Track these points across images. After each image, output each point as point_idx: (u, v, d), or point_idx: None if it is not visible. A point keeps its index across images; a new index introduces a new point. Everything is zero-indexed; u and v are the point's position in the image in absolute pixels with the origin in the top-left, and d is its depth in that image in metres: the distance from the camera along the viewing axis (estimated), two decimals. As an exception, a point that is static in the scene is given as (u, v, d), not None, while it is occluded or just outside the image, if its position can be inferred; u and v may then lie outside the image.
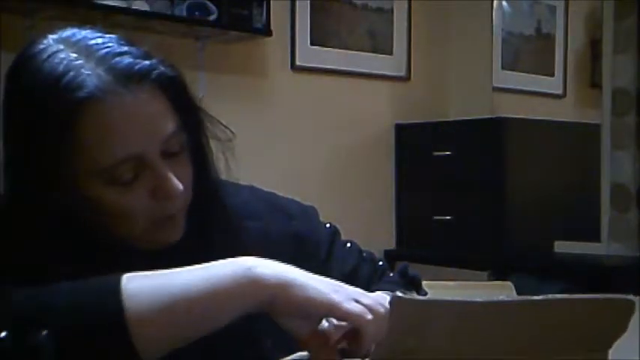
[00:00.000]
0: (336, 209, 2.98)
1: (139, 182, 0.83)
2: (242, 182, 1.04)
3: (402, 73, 3.17)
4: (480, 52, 3.23)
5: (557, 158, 2.91)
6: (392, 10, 3.12)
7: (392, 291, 0.88)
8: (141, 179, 0.83)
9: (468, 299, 0.63)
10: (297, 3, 2.82)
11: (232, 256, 0.83)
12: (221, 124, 0.92)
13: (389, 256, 3.03)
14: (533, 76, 3.41)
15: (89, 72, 0.80)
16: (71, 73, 0.79)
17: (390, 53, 3.13)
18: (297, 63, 2.83)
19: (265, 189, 1.07)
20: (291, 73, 2.83)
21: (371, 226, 3.03)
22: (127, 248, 0.85)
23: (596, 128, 2.79)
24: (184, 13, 2.37)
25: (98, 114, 0.80)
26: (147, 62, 0.83)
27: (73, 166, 0.80)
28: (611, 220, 2.72)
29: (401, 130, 3.12)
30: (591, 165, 2.80)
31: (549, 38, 3.38)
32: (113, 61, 0.81)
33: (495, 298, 0.64)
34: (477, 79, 3.24)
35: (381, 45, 3.09)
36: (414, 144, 3.09)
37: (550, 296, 0.64)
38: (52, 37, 0.84)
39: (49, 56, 0.81)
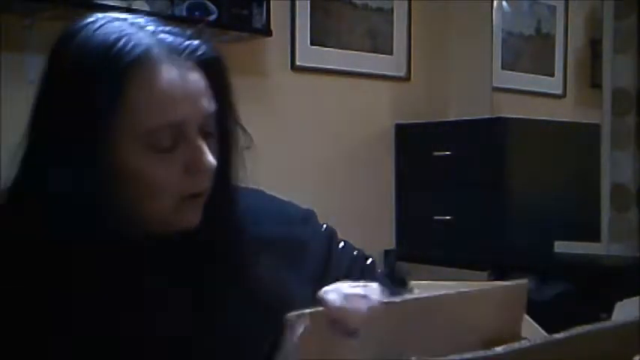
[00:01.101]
0: (336, 209, 2.98)
1: (175, 154, 0.85)
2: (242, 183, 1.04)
3: (402, 73, 3.17)
4: (480, 52, 3.23)
5: (557, 158, 2.91)
6: (392, 10, 3.12)
7: None
8: (177, 151, 0.85)
9: (482, 354, 0.62)
10: (297, 3, 2.82)
11: (232, 257, 0.86)
12: (243, 129, 0.95)
13: (389, 256, 3.03)
14: (533, 76, 3.41)
15: (140, 40, 0.84)
16: (124, 39, 0.83)
17: (390, 53, 3.13)
18: (297, 63, 2.83)
19: (268, 192, 1.08)
20: (291, 73, 2.83)
21: (371, 226, 3.03)
22: (139, 239, 0.85)
23: (596, 128, 2.79)
24: (184, 13, 2.37)
25: (148, 78, 0.83)
26: (193, 41, 0.87)
27: (119, 130, 0.82)
28: (611, 220, 2.72)
29: (401, 130, 3.12)
30: (591, 165, 2.80)
31: (549, 38, 3.38)
32: (161, 35, 0.86)
33: (518, 345, 0.62)
34: (477, 79, 3.24)
35: (381, 45, 3.09)
36: (414, 144, 3.09)
37: (574, 332, 0.62)
38: (99, 14, 0.89)
39: (101, 26, 0.87)
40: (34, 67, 2.10)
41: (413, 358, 0.64)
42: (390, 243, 3.10)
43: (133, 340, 0.81)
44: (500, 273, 2.53)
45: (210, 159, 0.86)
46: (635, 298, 1.13)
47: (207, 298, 0.91)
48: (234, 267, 0.93)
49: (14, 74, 2.07)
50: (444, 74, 3.32)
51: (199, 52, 0.87)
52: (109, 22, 0.87)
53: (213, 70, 0.89)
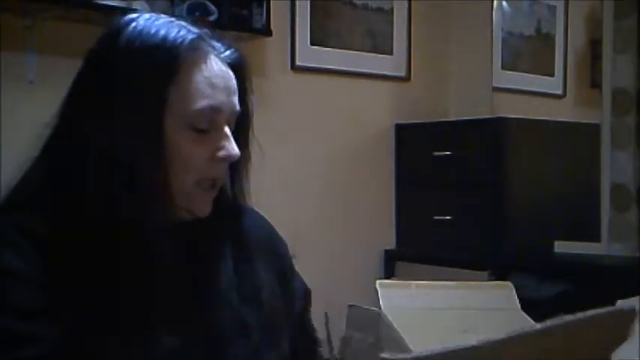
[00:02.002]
0: (336, 209, 2.99)
1: (206, 139, 0.93)
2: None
3: (402, 73, 3.17)
4: (480, 52, 3.23)
5: (557, 158, 2.91)
6: (392, 10, 3.12)
7: None
8: (208, 137, 0.93)
9: (457, 347, 0.61)
10: (297, 3, 2.82)
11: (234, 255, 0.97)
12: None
13: (389, 256, 3.03)
14: (533, 76, 3.40)
15: (192, 30, 0.94)
16: (177, 29, 0.93)
17: (390, 53, 3.13)
18: (297, 63, 2.83)
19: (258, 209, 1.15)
20: (291, 73, 2.83)
21: (371, 226, 3.03)
22: (159, 224, 0.90)
23: (596, 128, 2.79)
24: (184, 14, 2.37)
25: (198, 63, 0.93)
26: (229, 45, 0.99)
27: (169, 108, 0.90)
28: (611, 220, 2.72)
29: (401, 130, 3.12)
30: (591, 165, 2.79)
31: (549, 38, 3.38)
32: (204, 31, 0.96)
33: (488, 338, 0.62)
34: (477, 79, 3.24)
35: (381, 45, 3.09)
36: (414, 144, 3.09)
37: (549, 323, 0.62)
38: (143, 12, 0.98)
39: (149, 19, 0.95)
40: (34, 67, 2.10)
41: (384, 354, 0.64)
42: (390, 243, 3.10)
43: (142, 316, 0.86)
44: (500, 273, 2.53)
45: (235, 149, 0.95)
46: (635, 298, 1.13)
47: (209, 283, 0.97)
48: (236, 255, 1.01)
49: (14, 74, 2.07)
50: (444, 74, 3.32)
51: (234, 56, 0.98)
52: (157, 17, 0.95)
53: (242, 76, 0.99)
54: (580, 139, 2.99)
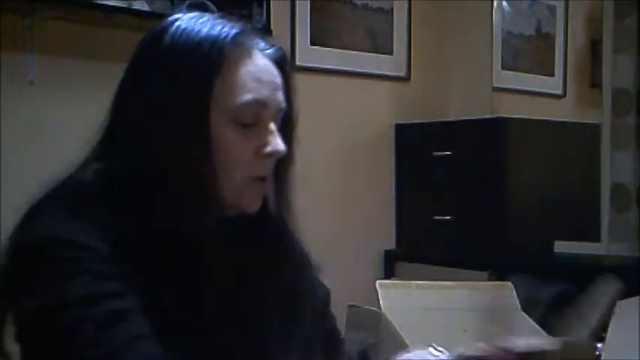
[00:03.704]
0: (336, 209, 2.99)
1: (251, 134, 0.93)
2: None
3: (402, 73, 3.17)
4: (480, 52, 3.23)
5: (557, 158, 2.91)
6: (392, 10, 3.12)
7: None
8: (252, 131, 0.94)
9: None
10: (297, 3, 2.82)
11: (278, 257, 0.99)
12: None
13: (389, 256, 3.03)
14: (533, 76, 3.41)
15: (233, 28, 0.94)
16: (218, 26, 0.93)
17: (390, 53, 3.13)
18: (297, 63, 2.83)
19: None
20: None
21: (371, 226, 3.03)
22: (205, 222, 0.90)
23: (596, 128, 2.79)
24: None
25: (243, 57, 0.93)
26: (274, 43, 0.99)
27: (213, 102, 0.91)
28: (611, 220, 2.72)
29: (401, 130, 3.12)
30: (591, 165, 2.79)
31: (549, 38, 3.38)
32: (248, 27, 0.97)
33: None
34: (477, 79, 3.24)
35: (381, 45, 3.09)
36: (414, 144, 3.09)
37: None
38: (186, 13, 0.97)
39: (193, 17, 0.95)
40: (34, 67, 2.10)
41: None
42: (390, 243, 3.10)
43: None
44: (500, 273, 2.53)
45: (281, 144, 0.96)
46: (635, 298, 1.13)
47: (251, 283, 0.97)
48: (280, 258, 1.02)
49: (14, 74, 2.07)
50: (444, 74, 3.32)
51: (279, 54, 0.98)
52: (198, 16, 0.95)
53: (287, 74, 1.00)
54: (580, 139, 2.99)
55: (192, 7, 1.00)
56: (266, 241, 1.01)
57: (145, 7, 2.26)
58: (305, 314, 1.02)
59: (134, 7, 2.23)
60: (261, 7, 2.55)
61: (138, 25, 2.27)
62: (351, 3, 2.99)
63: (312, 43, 2.87)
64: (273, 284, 0.99)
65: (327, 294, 1.17)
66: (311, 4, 2.86)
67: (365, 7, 3.03)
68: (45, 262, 0.85)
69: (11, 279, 0.87)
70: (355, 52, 3.00)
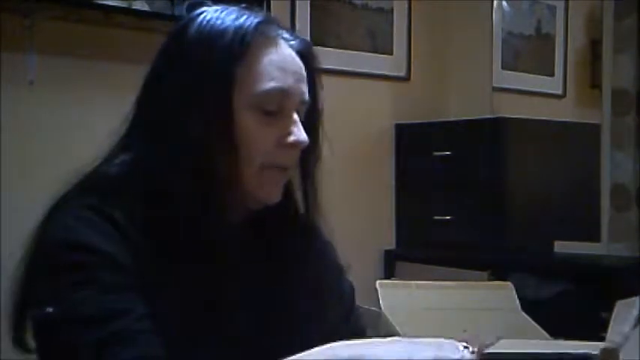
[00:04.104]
0: (335, 209, 2.98)
1: (273, 123, 0.93)
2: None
3: (402, 73, 3.17)
4: (480, 52, 3.23)
5: (557, 158, 2.91)
6: (392, 10, 3.12)
7: None
8: (275, 120, 0.94)
9: None
10: (297, 3, 2.82)
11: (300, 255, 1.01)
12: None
13: (389, 256, 3.03)
14: (533, 76, 3.40)
15: (257, 17, 0.95)
16: (243, 16, 0.94)
17: (390, 53, 3.13)
18: (297, 63, 2.83)
19: None
20: (291, 73, 2.83)
21: (371, 226, 3.03)
22: (220, 217, 0.90)
23: (596, 128, 2.79)
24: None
25: (267, 45, 0.94)
26: (300, 36, 1.00)
27: (236, 89, 0.91)
28: (611, 220, 2.72)
29: (401, 130, 3.12)
30: (591, 165, 2.79)
31: (549, 38, 3.38)
32: (273, 18, 0.99)
33: None
34: (477, 79, 3.24)
35: (381, 45, 3.09)
36: (414, 144, 3.09)
37: None
38: (212, 5, 0.98)
39: (218, 9, 0.96)
40: (34, 67, 2.10)
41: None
42: (390, 243, 3.10)
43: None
44: (500, 273, 2.53)
45: (304, 135, 0.96)
46: (635, 298, 1.13)
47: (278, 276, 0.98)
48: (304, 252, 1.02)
49: (14, 74, 2.07)
50: (444, 74, 3.32)
51: (303, 45, 0.99)
52: (223, 8, 0.96)
53: (312, 67, 0.99)
54: (580, 139, 2.99)
55: (192, 7, 1.00)
56: (293, 239, 1.01)
57: (145, 7, 2.26)
58: (329, 312, 1.02)
59: (134, 7, 2.23)
60: (261, 7, 2.55)
61: (138, 25, 2.27)
62: (351, 3, 2.99)
63: (312, 43, 2.87)
64: (299, 282, 0.99)
65: (352, 290, 1.16)
66: (311, 4, 2.86)
67: (365, 7, 3.03)
68: (55, 268, 0.85)
69: (26, 283, 0.88)
70: (355, 52, 3.00)
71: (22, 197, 1.98)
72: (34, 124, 2.12)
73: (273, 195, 0.96)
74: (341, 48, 2.96)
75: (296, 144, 0.95)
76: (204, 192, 0.89)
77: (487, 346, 0.74)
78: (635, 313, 0.94)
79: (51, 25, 2.13)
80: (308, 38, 2.85)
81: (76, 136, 2.14)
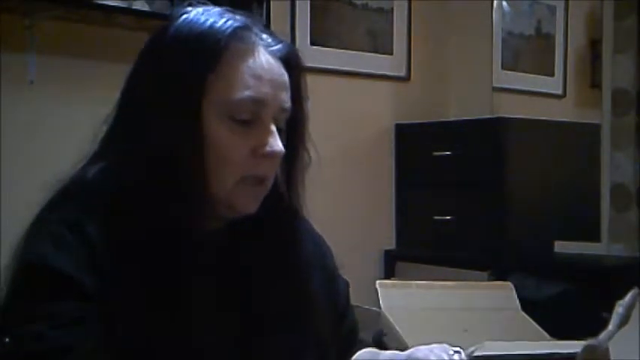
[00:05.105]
0: (336, 209, 2.99)
1: (248, 132, 0.91)
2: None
3: (402, 73, 3.17)
4: (480, 52, 3.23)
5: (557, 158, 2.91)
6: (392, 10, 3.12)
7: None
8: (250, 130, 0.91)
9: None
10: (297, 3, 2.82)
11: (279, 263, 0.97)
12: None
13: (389, 256, 3.03)
14: (533, 76, 3.40)
15: (240, 21, 0.92)
16: (223, 19, 0.91)
17: (390, 53, 3.13)
18: (297, 63, 2.83)
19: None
20: (291, 73, 2.83)
21: (371, 226, 3.03)
22: (195, 228, 0.89)
23: (596, 128, 2.79)
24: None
25: (242, 52, 0.91)
26: (284, 41, 0.96)
27: (208, 96, 0.89)
28: (611, 220, 2.72)
29: (401, 130, 3.12)
30: (591, 165, 2.79)
31: (549, 38, 3.38)
32: (255, 22, 0.95)
33: None
34: (477, 79, 3.24)
35: (381, 45, 3.09)
36: (414, 144, 3.09)
37: None
38: (198, 5, 0.96)
39: (198, 12, 0.93)
40: (34, 67, 2.10)
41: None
42: (390, 243, 3.10)
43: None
44: (500, 273, 2.53)
45: (279, 145, 0.91)
46: (627, 297, 1.13)
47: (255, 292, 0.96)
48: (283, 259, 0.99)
49: (14, 74, 2.07)
50: (444, 74, 3.32)
51: (286, 51, 0.95)
52: (208, 8, 0.94)
53: (296, 73, 0.95)
54: (580, 139, 2.99)
55: (179, 7, 0.99)
56: (276, 243, 0.99)
57: (145, 7, 2.26)
58: (318, 314, 1.01)
59: (134, 7, 2.23)
60: (261, 7, 2.55)
61: (138, 25, 2.27)
62: (350, 3, 2.99)
63: (312, 43, 2.87)
64: (284, 285, 0.97)
65: (347, 287, 1.16)
66: (311, 4, 2.86)
67: (365, 7, 3.03)
68: (19, 295, 0.85)
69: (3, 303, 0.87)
70: (355, 52, 3.00)
71: (22, 197, 1.98)
72: (34, 124, 2.12)
73: (249, 206, 0.93)
74: (341, 48, 2.96)
75: (271, 154, 0.91)
76: (175, 202, 0.87)
77: (472, 351, 0.75)
78: (620, 311, 0.94)
79: (51, 25, 2.13)
80: (307, 38, 2.87)
81: (75, 136, 2.14)
